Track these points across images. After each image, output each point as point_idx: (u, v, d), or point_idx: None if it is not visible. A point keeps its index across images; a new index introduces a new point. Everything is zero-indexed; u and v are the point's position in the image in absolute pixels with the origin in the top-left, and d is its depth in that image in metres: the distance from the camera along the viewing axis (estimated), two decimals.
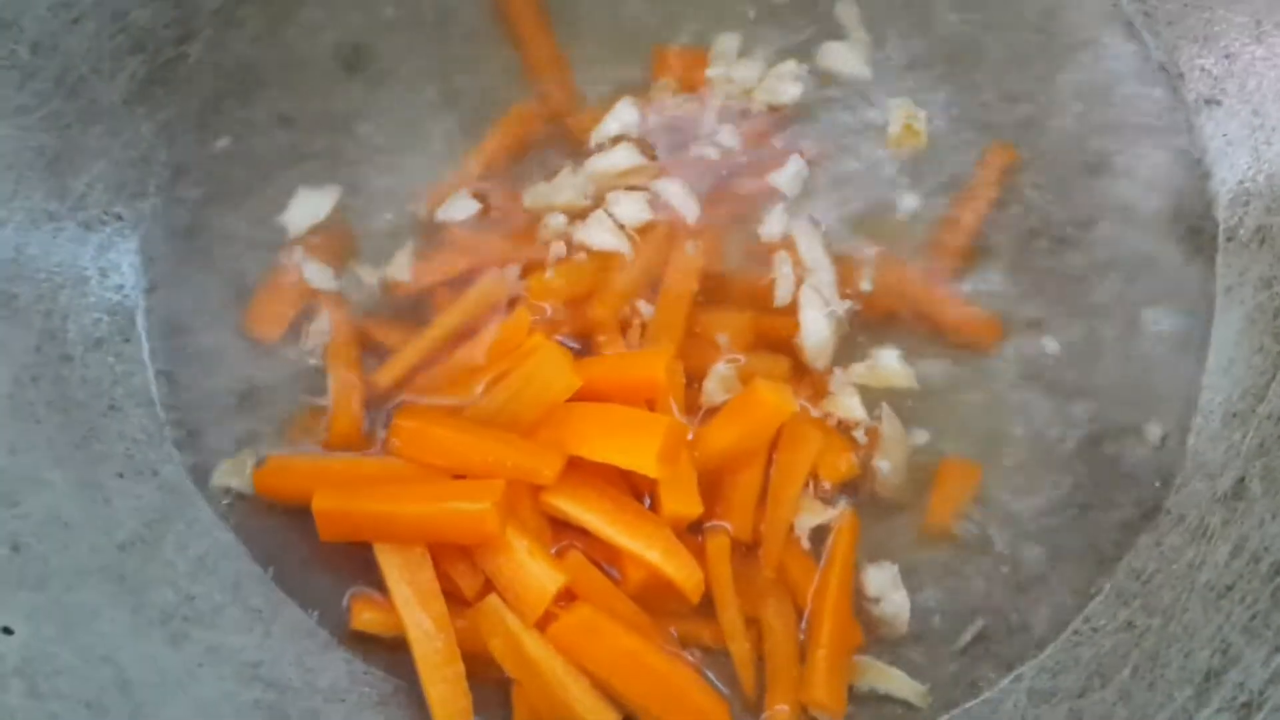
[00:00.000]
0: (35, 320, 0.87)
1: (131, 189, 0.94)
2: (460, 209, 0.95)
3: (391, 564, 0.84)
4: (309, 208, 0.95)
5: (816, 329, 0.92)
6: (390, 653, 0.87)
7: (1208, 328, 0.94)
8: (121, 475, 0.87)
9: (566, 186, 0.95)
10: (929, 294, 0.94)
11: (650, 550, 0.84)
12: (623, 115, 0.97)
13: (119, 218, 0.93)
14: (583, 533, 0.86)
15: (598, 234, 0.94)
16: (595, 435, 0.84)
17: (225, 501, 0.90)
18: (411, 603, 0.83)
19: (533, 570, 0.82)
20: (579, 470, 0.85)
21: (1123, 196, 0.97)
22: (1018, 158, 0.97)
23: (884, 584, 0.88)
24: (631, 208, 0.94)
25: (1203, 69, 0.97)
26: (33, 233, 0.88)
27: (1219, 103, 0.97)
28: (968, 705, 0.87)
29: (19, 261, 0.87)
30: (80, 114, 0.90)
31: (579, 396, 0.86)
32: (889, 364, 0.92)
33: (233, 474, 0.90)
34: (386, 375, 0.91)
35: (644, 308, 0.93)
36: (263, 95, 0.98)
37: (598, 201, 0.95)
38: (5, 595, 0.76)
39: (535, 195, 0.96)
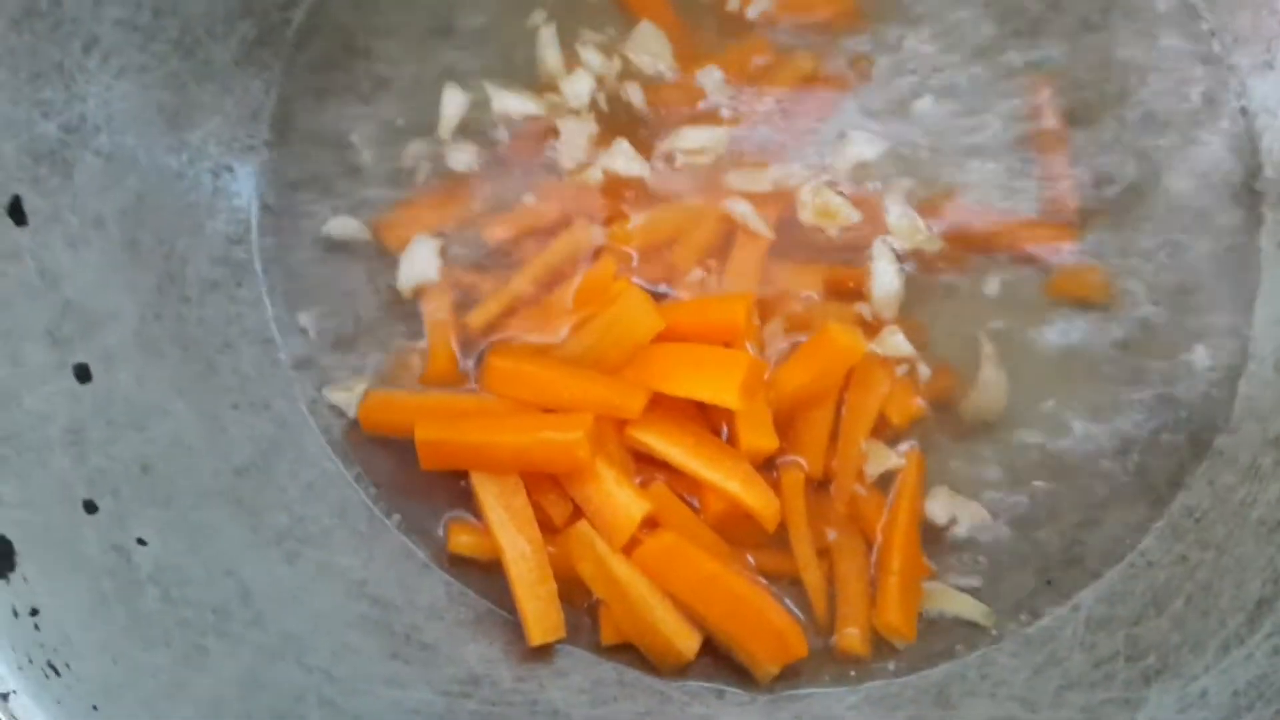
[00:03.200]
0: (156, 263, 0.92)
1: (243, 143, 0.99)
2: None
3: (488, 491, 0.89)
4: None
5: (887, 280, 0.96)
6: (484, 574, 0.92)
7: (1258, 281, 0.98)
8: (236, 407, 0.93)
9: (577, 136, 0.99)
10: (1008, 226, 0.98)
11: (730, 481, 0.88)
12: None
13: (230, 170, 0.98)
14: (664, 467, 0.90)
15: (621, 161, 0.98)
16: (679, 372, 0.88)
17: (330, 436, 0.96)
18: (507, 526, 0.88)
19: (620, 498, 0.87)
20: (661, 407, 0.89)
21: (1175, 155, 1.00)
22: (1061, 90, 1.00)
23: (947, 506, 0.92)
24: (579, 130, 0.99)
25: (1257, 32, 1.01)
26: (152, 182, 0.93)
27: (1272, 66, 1.00)
28: (1027, 631, 0.92)
29: (140, 209, 0.92)
30: (195, 73, 0.96)
31: (660, 339, 0.90)
32: (905, 219, 0.96)
33: (341, 392, 0.96)
34: (479, 317, 0.95)
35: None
36: (361, 57, 1.02)
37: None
38: (138, 509, 0.82)
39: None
